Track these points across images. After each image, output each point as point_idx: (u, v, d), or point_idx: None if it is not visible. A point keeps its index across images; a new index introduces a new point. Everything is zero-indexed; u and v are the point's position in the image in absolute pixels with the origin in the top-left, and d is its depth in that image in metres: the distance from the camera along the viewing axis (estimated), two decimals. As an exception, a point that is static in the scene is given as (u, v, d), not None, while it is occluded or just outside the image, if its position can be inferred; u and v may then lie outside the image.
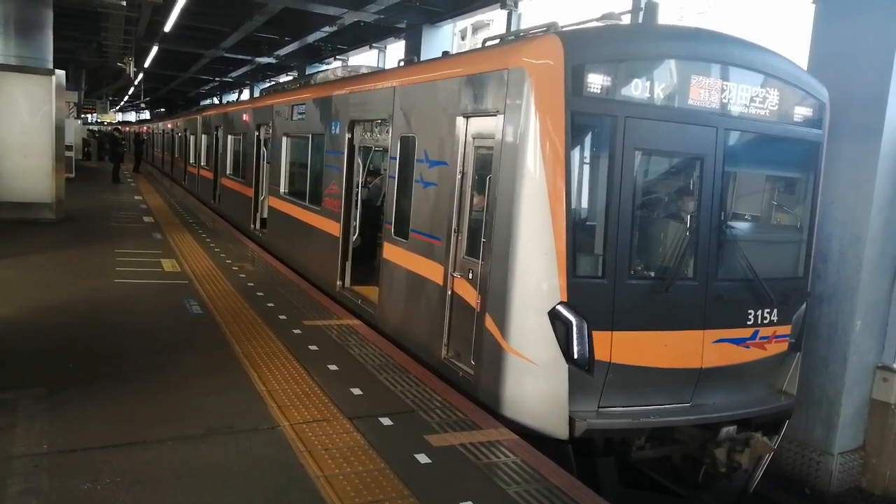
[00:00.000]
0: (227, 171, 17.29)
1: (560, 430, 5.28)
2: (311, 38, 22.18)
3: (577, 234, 5.37)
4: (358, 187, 9.04)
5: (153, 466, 4.17)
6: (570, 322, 5.24)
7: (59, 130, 13.68)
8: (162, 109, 63.26)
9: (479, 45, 7.13)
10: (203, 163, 21.14)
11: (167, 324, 7.28)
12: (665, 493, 6.42)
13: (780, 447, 6.98)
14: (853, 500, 7.45)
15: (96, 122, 58.42)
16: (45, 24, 15.24)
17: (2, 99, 13.19)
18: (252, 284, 9.35)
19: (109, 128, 46.55)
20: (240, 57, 28.22)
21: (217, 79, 38.97)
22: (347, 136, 8.96)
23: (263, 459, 4.36)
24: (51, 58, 15.26)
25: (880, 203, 7.13)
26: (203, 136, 21.14)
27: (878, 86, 6.96)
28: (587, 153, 5.69)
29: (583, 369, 5.30)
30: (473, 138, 6.12)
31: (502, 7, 14.97)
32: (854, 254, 7.19)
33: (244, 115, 15.56)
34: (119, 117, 75.65)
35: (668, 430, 5.92)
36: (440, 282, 6.45)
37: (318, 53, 25.35)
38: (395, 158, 7.60)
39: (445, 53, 10.30)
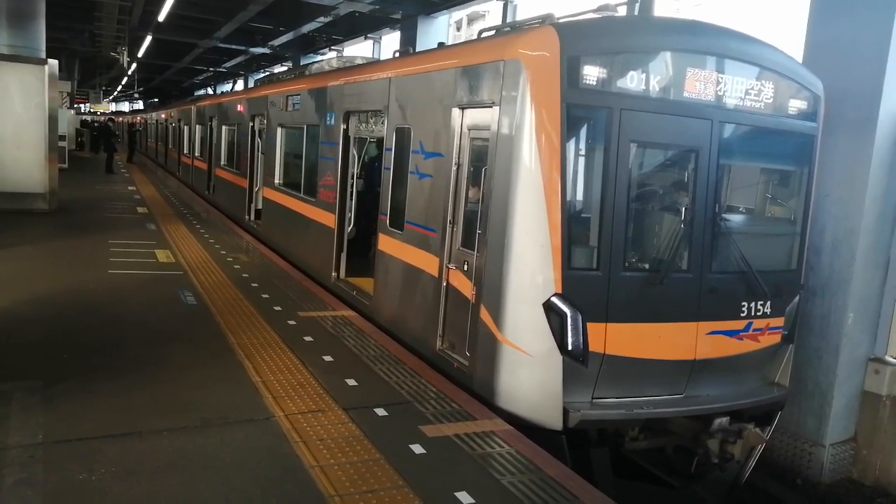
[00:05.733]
0: (222, 162, 17.23)
1: (554, 420, 5.31)
2: (306, 28, 22.04)
3: (572, 226, 5.38)
4: (353, 178, 9.03)
5: (148, 457, 4.17)
6: (565, 314, 5.25)
7: (53, 120, 13.59)
8: (156, 99, 62.89)
9: (475, 37, 7.10)
10: (197, 153, 21.06)
11: (162, 315, 7.27)
12: (658, 484, 6.46)
13: (773, 438, 7.03)
14: (844, 490, 7.51)
15: (89, 111, 58.07)
16: (38, 14, 15.11)
17: (-6, 89, 13.12)
18: (247, 275, 9.34)
19: (103, 118, 46.33)
20: (234, 47, 28.00)
21: (211, 69, 38.72)
22: (342, 126, 8.94)
23: (258, 450, 4.37)
24: (43, 47, 15.13)
25: (874, 196, 7.15)
26: (197, 126, 21.05)
27: (872, 79, 6.97)
28: (583, 145, 5.69)
29: (577, 360, 5.32)
30: (469, 130, 6.11)
31: (498, -2, 14.92)
32: (847, 247, 7.22)
33: (239, 106, 15.49)
34: (112, 107, 75.20)
35: (662, 421, 5.96)
36: (435, 273, 6.45)
37: (313, 44, 25.21)
38: (390, 150, 7.59)
39: (441, 44, 10.27)
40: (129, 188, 20.10)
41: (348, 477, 4.10)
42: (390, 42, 21.90)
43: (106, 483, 3.84)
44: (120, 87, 57.19)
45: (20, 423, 4.51)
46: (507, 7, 15.03)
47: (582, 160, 5.70)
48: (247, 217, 14.24)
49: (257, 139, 13.75)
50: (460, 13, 22.03)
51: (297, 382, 5.56)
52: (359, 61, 11.33)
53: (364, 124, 8.77)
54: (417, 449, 4.54)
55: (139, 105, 76.85)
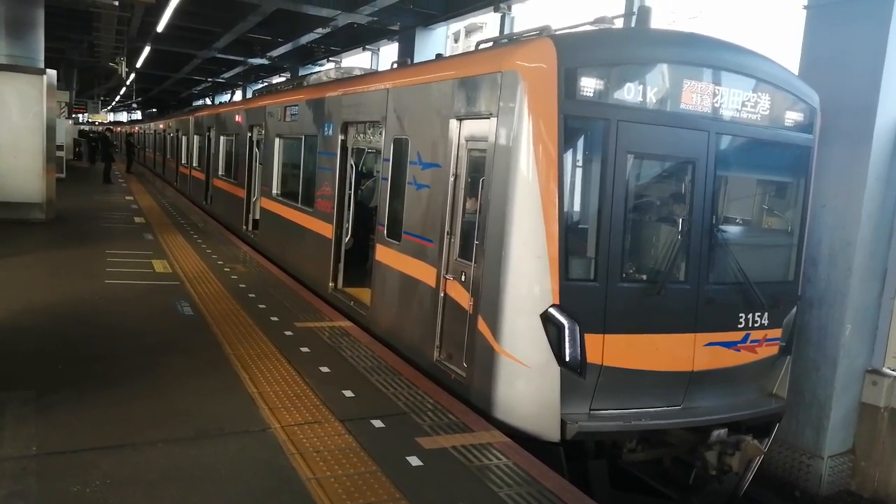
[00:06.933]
0: (220, 172, 17.24)
1: (552, 432, 5.29)
2: (304, 39, 22.14)
3: (570, 237, 5.38)
4: (350, 189, 9.04)
5: (143, 469, 4.14)
6: (562, 325, 5.25)
7: (50, 130, 13.60)
8: (154, 110, 63.00)
9: (473, 48, 7.13)
10: (195, 163, 21.07)
11: (158, 325, 7.24)
12: (656, 496, 6.44)
13: (771, 450, 7.01)
14: (843, 502, 7.49)
15: (87, 121, 58.14)
16: (37, 24, 15.16)
17: (-7, 98, 13.13)
18: (244, 286, 9.32)
19: (101, 128, 46.39)
20: (232, 58, 28.13)
21: (209, 79, 38.86)
22: (340, 137, 8.96)
23: (254, 462, 4.35)
24: (42, 57, 15.18)
25: (870, 208, 7.17)
26: (195, 136, 21.08)
27: (867, 91, 7.00)
28: (580, 156, 5.71)
29: (574, 372, 5.31)
30: (466, 141, 6.12)
31: (496, 10, 15.00)
32: (844, 258, 7.23)
33: (237, 116, 15.52)
34: (111, 117, 75.34)
35: (659, 432, 5.94)
36: (433, 284, 6.45)
37: (311, 55, 25.32)
38: (388, 160, 7.60)
39: (439, 56, 10.31)
40: (127, 198, 20.09)
41: (345, 489, 4.07)
42: (388, 53, 21.99)
43: (100, 495, 3.81)
44: (118, 98, 57.31)
45: (13, 433, 4.48)
46: (505, 19, 15.10)
47: (579, 171, 5.72)
48: (244, 227, 14.23)
49: (255, 149, 13.77)
50: (458, 25, 22.10)
51: (293, 393, 5.54)
52: (357, 72, 11.37)
53: (362, 135, 8.79)
54: (414, 461, 4.52)
55: (137, 115, 76.98)
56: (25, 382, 5.36)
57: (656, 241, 5.99)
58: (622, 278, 5.53)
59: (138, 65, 29.29)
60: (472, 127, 6.04)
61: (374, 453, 4.57)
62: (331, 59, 25.10)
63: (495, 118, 5.58)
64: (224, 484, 4.05)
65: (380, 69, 15.95)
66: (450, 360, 6.20)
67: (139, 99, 61.12)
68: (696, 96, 5.63)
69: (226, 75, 35.42)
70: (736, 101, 5.82)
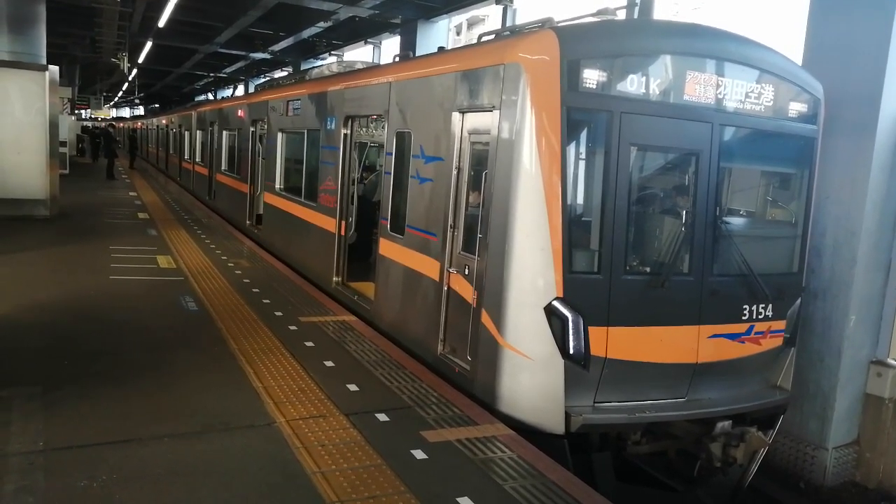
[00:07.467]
0: (223, 167, 17.25)
1: (556, 425, 5.30)
2: (306, 33, 22.11)
3: (573, 229, 5.38)
4: (353, 183, 9.03)
5: (149, 463, 4.16)
6: (566, 317, 5.24)
7: (53, 126, 13.61)
8: (156, 105, 62.99)
9: (475, 41, 7.11)
10: (198, 159, 21.08)
11: (163, 320, 7.26)
12: (660, 488, 6.44)
13: (775, 442, 7.01)
14: (847, 494, 7.49)
15: (90, 117, 58.17)
16: (39, 20, 15.18)
17: (-5, 95, 13.14)
18: (248, 281, 9.33)
19: (104, 124, 46.44)
20: (234, 52, 28.09)
21: (211, 74, 38.79)
22: (343, 131, 8.95)
23: (260, 456, 4.36)
24: (44, 53, 15.20)
25: (874, 198, 7.15)
26: (198, 131, 21.08)
27: (872, 81, 6.97)
28: (583, 149, 5.70)
29: (579, 364, 5.31)
30: (469, 134, 6.11)
31: (497, 2, 14.96)
32: (848, 249, 7.21)
33: (239, 111, 15.51)
34: (113, 113, 75.37)
35: (664, 424, 5.94)
36: (436, 277, 6.45)
37: (313, 49, 25.29)
38: (390, 154, 7.59)
39: (441, 49, 10.28)
40: (130, 194, 20.12)
41: (350, 483, 4.09)
42: (390, 47, 21.96)
43: (107, 490, 3.84)
44: (120, 93, 57.30)
45: (20, 429, 4.50)
46: (507, 11, 15.06)
47: (582, 164, 5.70)
48: (248, 222, 14.25)
49: (258, 144, 13.77)
50: (460, 17, 22.06)
51: (298, 388, 5.55)
52: (359, 66, 11.34)
53: (365, 129, 8.78)
54: (419, 454, 4.53)
55: (140, 111, 76.99)
56: (31, 378, 5.38)
57: (660, 234, 5.98)
58: (626, 271, 5.53)
59: (140, 60, 29.28)
60: (474, 120, 6.02)
61: (378, 447, 4.59)
62: (332, 52, 25.05)
63: (498, 111, 5.56)
64: (230, 478, 4.07)
65: (382, 63, 15.91)
66: (454, 353, 6.21)
67: (141, 94, 61.08)
68: (700, 87, 5.61)
69: (228, 70, 35.35)
70: (740, 92, 5.79)
